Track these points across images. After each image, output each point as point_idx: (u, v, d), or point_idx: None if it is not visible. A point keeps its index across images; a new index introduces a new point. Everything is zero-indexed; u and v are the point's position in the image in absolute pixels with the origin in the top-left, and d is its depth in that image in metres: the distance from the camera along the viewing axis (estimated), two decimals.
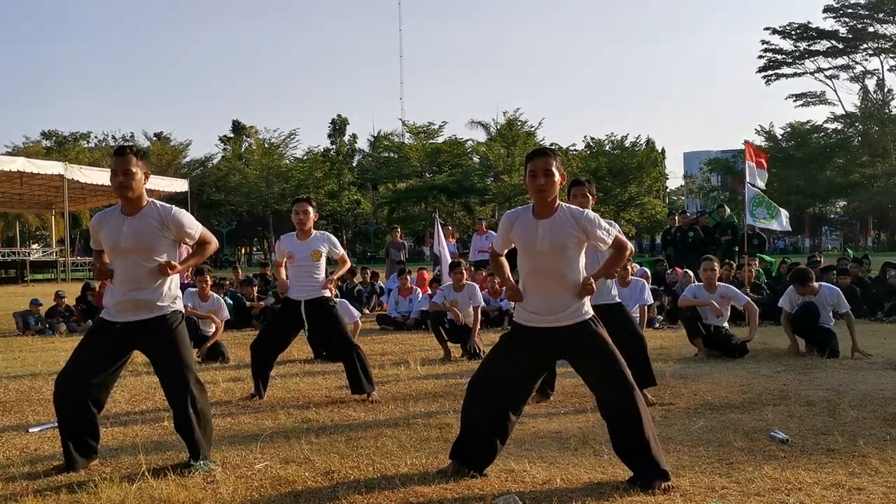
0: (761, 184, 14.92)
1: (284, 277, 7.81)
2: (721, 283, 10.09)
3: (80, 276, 35.00)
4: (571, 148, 68.30)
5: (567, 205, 4.77)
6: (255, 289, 15.85)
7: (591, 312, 4.75)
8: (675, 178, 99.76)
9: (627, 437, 4.57)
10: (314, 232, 7.77)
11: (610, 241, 4.81)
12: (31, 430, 6.47)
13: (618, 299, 7.10)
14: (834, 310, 9.87)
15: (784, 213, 14.96)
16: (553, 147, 58.23)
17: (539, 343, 4.73)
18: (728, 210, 19.95)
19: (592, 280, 4.70)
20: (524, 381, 4.85)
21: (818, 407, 6.67)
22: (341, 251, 7.94)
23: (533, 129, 66.75)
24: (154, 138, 74.71)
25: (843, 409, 6.56)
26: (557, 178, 4.63)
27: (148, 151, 5.42)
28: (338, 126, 78.57)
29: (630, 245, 5.22)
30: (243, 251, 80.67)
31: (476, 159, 68.03)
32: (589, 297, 4.72)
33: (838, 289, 10.24)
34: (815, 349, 9.73)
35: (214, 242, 5.53)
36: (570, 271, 4.66)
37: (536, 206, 4.73)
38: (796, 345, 9.83)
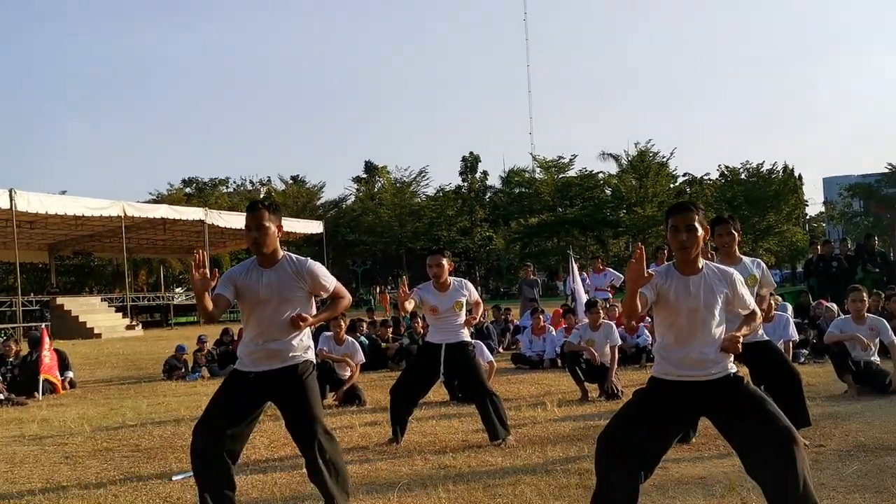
0: None
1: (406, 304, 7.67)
2: (870, 315, 9.61)
3: (221, 319, 35.95)
4: (706, 177, 66.94)
5: (709, 262, 4.55)
6: (390, 330, 15.93)
7: (735, 368, 4.47)
8: (814, 204, 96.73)
9: (788, 499, 4.14)
10: (451, 281, 7.74)
11: (749, 306, 4.63)
12: (174, 479, 6.59)
13: (765, 336, 6.83)
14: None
15: None
16: (686, 177, 56.57)
17: (681, 398, 4.42)
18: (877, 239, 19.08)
19: (739, 336, 4.43)
20: (660, 441, 4.48)
21: None
22: (476, 296, 7.92)
23: (665, 158, 65.67)
24: (290, 181, 76.67)
25: None
26: (700, 232, 4.42)
27: (279, 206, 5.48)
28: (469, 164, 79.00)
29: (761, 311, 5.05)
30: (378, 290, 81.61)
31: (608, 192, 67.33)
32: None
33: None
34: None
35: (348, 297, 5.56)
36: (715, 326, 4.41)
37: (679, 263, 4.50)
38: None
